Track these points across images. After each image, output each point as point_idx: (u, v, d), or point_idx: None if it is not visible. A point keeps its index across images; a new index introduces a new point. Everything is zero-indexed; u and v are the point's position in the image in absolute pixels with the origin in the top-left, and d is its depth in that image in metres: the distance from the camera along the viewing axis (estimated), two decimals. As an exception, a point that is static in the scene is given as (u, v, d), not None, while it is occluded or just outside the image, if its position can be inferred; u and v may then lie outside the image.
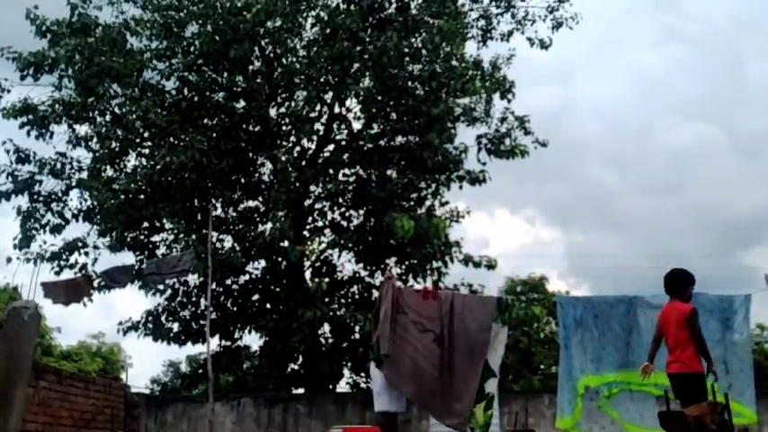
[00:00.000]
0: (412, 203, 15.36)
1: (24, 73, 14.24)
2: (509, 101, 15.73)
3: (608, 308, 7.24)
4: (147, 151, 15.25)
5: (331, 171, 15.57)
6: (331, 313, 14.12)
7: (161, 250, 15.39)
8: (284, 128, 15.44)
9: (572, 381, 7.05)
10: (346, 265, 15.88)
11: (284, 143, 15.40)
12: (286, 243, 14.16)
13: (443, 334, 7.21)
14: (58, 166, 15.14)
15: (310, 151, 16.03)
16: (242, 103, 15.40)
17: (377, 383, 8.41)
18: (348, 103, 15.72)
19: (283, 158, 14.05)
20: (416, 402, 7.52)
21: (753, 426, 7.67)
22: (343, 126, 16.21)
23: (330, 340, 15.63)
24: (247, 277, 15.74)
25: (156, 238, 15.63)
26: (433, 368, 7.12)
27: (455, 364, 7.10)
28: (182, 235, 14.67)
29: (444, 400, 7.06)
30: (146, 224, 15.19)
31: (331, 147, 16.19)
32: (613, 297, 7.44)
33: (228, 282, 15.50)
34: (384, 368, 7.20)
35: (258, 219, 15.64)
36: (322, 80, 14.57)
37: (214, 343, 15.26)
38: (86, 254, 15.00)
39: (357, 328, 14.02)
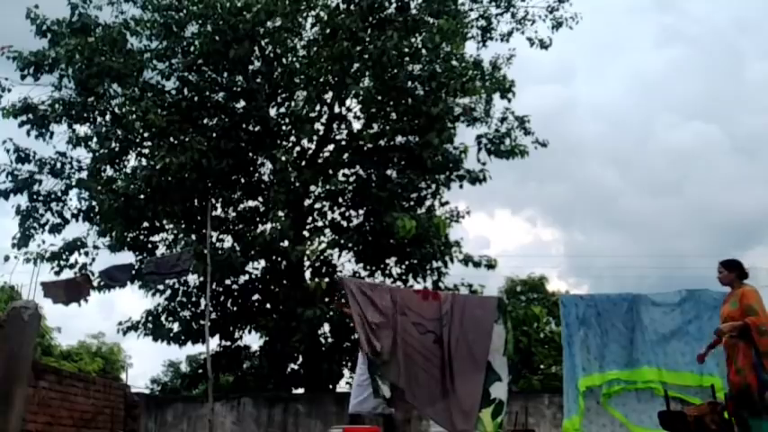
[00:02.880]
0: (412, 203, 15.36)
1: (24, 72, 14.26)
2: (509, 101, 15.77)
3: (611, 305, 7.21)
4: (146, 151, 15.26)
5: (331, 171, 15.57)
6: (331, 313, 14.11)
7: (161, 250, 15.41)
8: (284, 128, 15.44)
9: (575, 380, 7.01)
10: (346, 264, 15.92)
11: (284, 143, 15.40)
12: (286, 243, 14.16)
13: (443, 335, 7.12)
14: (58, 165, 15.16)
15: (310, 151, 16.03)
16: (242, 103, 15.40)
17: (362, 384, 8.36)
18: (348, 103, 15.75)
19: (283, 158, 14.04)
20: (419, 407, 7.42)
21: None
22: (343, 126, 16.22)
23: (330, 340, 15.63)
24: (247, 277, 15.74)
25: (155, 239, 15.65)
26: (436, 371, 7.02)
27: (457, 367, 7.00)
28: (181, 235, 14.68)
29: (447, 404, 6.94)
30: (145, 224, 15.20)
31: (331, 147, 16.19)
32: (616, 295, 7.40)
33: (228, 282, 15.50)
34: (385, 371, 7.09)
35: (258, 219, 15.64)
36: (322, 80, 14.57)
37: (214, 343, 15.28)
38: (86, 254, 15.04)
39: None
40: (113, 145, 14.95)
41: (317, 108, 15.41)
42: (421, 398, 7.10)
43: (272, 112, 15.63)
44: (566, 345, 7.11)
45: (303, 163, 15.55)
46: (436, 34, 14.09)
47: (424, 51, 14.54)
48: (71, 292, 10.78)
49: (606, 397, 7.08)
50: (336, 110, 16.02)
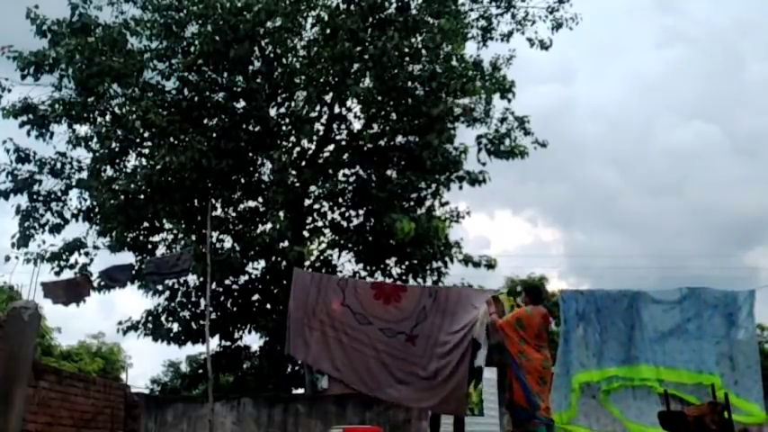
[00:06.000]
0: (412, 204, 15.36)
1: (25, 72, 14.26)
2: (509, 101, 15.80)
3: (611, 302, 7.21)
4: (146, 151, 15.27)
5: (331, 171, 15.57)
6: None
7: (161, 250, 15.41)
8: (284, 128, 15.45)
9: (568, 375, 7.02)
10: (346, 265, 15.91)
11: (284, 143, 15.40)
12: (285, 243, 14.15)
13: (418, 331, 7.08)
14: (58, 165, 15.16)
15: (310, 151, 16.03)
16: (242, 103, 15.40)
17: None
18: (348, 103, 15.75)
19: (283, 158, 14.03)
20: (408, 403, 7.41)
21: (754, 425, 7.62)
22: (343, 126, 16.22)
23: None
24: (247, 277, 15.73)
25: (155, 239, 15.65)
26: (415, 367, 7.02)
27: (441, 356, 6.98)
28: (181, 235, 14.67)
29: (436, 393, 6.94)
30: (145, 224, 15.19)
31: (331, 147, 16.19)
32: (616, 291, 7.38)
33: (228, 282, 15.49)
34: (356, 384, 7.10)
35: (258, 219, 15.64)
36: (322, 80, 14.56)
37: (214, 343, 15.28)
38: (86, 254, 15.04)
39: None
40: (113, 145, 14.96)
41: (317, 108, 15.41)
42: (410, 397, 7.09)
43: (272, 112, 15.64)
44: (562, 340, 7.12)
45: (303, 163, 15.55)
46: (437, 34, 14.11)
47: (424, 51, 14.56)
48: (71, 292, 10.78)
49: (605, 393, 7.09)
50: (336, 110, 16.03)
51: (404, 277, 15.39)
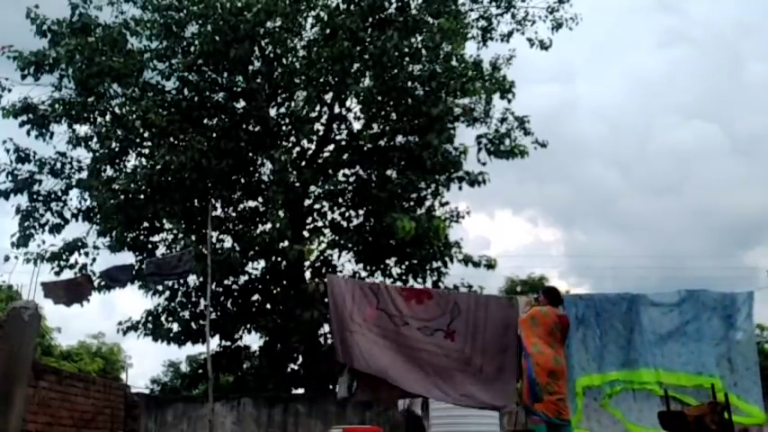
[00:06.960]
0: (412, 204, 15.36)
1: (25, 72, 14.27)
2: (509, 101, 15.80)
3: (610, 306, 7.22)
4: (146, 151, 15.27)
5: (331, 171, 15.57)
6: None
7: (161, 250, 15.41)
8: (284, 128, 15.45)
9: (571, 380, 7.02)
10: (346, 265, 15.91)
11: (284, 143, 15.40)
12: (285, 243, 14.16)
13: (455, 327, 7.12)
14: (58, 165, 15.17)
15: (310, 151, 16.03)
16: (242, 103, 15.40)
17: None
18: (348, 103, 15.76)
19: (283, 158, 14.03)
20: (454, 401, 7.44)
21: (754, 426, 7.62)
22: (343, 126, 16.22)
23: (330, 340, 15.61)
24: (247, 277, 15.73)
25: (155, 238, 15.65)
26: (457, 363, 7.04)
27: (485, 350, 7.02)
28: (181, 235, 14.67)
29: (483, 387, 6.95)
30: (145, 224, 15.19)
31: (331, 147, 16.19)
32: (615, 295, 7.39)
33: (228, 282, 15.49)
34: (397, 381, 7.11)
35: (258, 219, 15.64)
36: (322, 80, 14.56)
37: (214, 343, 15.28)
38: (86, 254, 15.04)
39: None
40: (113, 145, 14.97)
41: (317, 108, 15.41)
42: (455, 395, 7.09)
43: (272, 112, 15.64)
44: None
45: (303, 163, 15.54)
46: (436, 34, 14.11)
47: (424, 51, 14.56)
48: (72, 292, 10.75)
49: (608, 397, 7.10)
50: (336, 110, 16.03)
51: (404, 277, 15.39)
